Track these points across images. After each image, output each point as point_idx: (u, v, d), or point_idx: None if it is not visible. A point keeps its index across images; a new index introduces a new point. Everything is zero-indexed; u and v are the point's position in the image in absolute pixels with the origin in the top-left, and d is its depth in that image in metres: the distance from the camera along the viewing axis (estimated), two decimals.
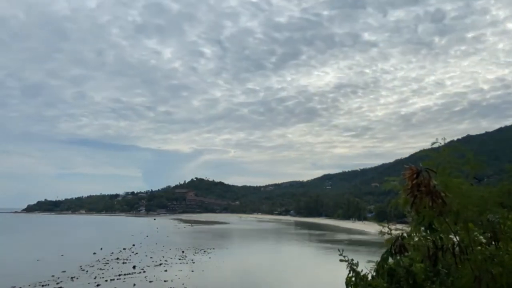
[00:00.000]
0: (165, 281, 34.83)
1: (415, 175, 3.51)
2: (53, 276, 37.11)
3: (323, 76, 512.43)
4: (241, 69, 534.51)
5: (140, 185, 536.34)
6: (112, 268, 42.16)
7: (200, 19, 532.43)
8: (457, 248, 3.66)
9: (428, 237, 3.85)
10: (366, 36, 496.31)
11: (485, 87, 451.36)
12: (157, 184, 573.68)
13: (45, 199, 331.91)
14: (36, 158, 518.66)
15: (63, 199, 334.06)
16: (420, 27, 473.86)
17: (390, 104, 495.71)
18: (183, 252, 56.67)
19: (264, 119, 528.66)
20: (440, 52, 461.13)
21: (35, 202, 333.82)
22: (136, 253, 54.93)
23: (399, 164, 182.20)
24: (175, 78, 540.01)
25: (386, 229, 4.31)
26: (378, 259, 4.14)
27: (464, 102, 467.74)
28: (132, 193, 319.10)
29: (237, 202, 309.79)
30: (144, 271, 39.59)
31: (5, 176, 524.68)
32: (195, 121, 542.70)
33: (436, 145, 3.92)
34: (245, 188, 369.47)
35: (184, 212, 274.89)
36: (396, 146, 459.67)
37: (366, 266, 4.29)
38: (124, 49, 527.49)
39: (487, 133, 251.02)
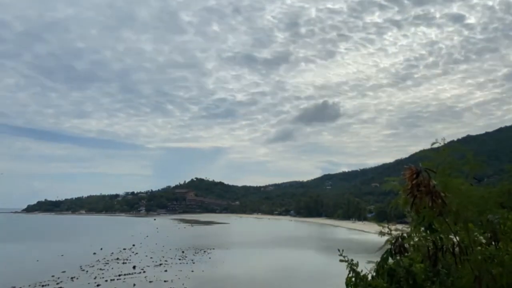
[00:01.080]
0: (165, 281, 34.84)
1: (415, 175, 3.51)
2: (53, 276, 37.13)
3: None
4: None
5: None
6: (112, 268, 42.17)
7: None
8: (457, 248, 3.66)
9: (428, 237, 3.85)
10: None
11: None
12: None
13: (45, 199, 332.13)
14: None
15: (63, 199, 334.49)
16: None
17: None
18: (183, 252, 56.69)
19: None
20: None
21: (35, 202, 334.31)
22: (136, 253, 54.94)
23: (399, 164, 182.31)
24: None
25: (386, 229, 4.31)
26: (378, 259, 4.14)
27: None
28: (132, 193, 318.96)
29: (237, 202, 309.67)
30: (144, 271, 39.60)
31: (5, 176, 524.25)
32: None
33: (436, 145, 3.92)
34: (245, 188, 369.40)
35: (184, 212, 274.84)
36: None
37: (366, 267, 4.29)
38: None
39: (487, 133, 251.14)
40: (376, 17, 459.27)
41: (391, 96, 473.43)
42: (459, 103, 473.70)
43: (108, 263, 45.53)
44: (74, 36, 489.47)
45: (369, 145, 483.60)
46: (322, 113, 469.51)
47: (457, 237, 3.76)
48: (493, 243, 3.83)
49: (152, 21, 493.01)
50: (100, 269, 41.60)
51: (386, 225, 4.31)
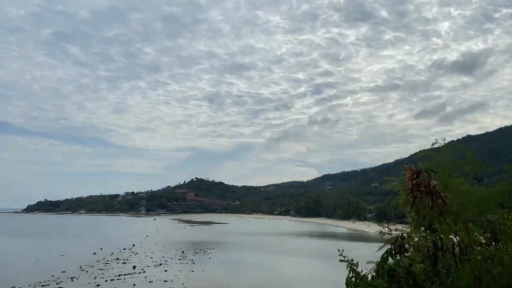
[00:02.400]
0: (165, 281, 34.84)
1: (415, 175, 3.51)
2: (53, 276, 37.13)
3: None
4: None
5: None
6: (112, 268, 42.16)
7: None
8: (457, 248, 3.66)
9: (428, 237, 3.85)
10: None
11: None
12: None
13: (45, 199, 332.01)
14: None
15: (63, 199, 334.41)
16: None
17: None
18: (183, 252, 56.69)
19: None
20: None
21: (35, 202, 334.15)
22: (136, 253, 54.93)
23: (399, 164, 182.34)
24: None
25: (386, 229, 4.31)
26: (378, 259, 4.14)
27: None
28: (132, 193, 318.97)
29: (237, 202, 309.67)
30: (144, 271, 39.59)
31: (5, 176, 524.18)
32: None
33: (436, 145, 3.92)
34: (245, 188, 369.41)
35: (184, 212, 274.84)
36: None
37: (366, 267, 4.29)
38: None
39: (487, 133, 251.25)
40: None
41: None
42: None
43: (108, 263, 45.53)
44: None
45: None
46: None
47: (457, 237, 3.76)
48: (493, 243, 3.83)
49: None
50: (100, 269, 41.59)
51: (386, 225, 4.31)
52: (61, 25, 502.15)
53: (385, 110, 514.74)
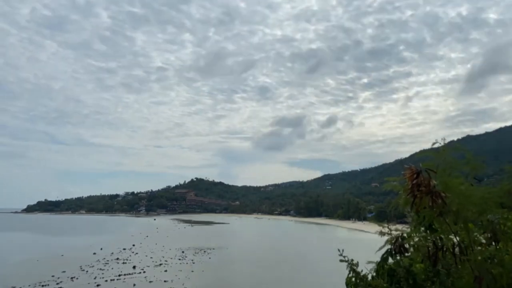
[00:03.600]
0: (165, 281, 34.84)
1: (415, 175, 3.50)
2: (53, 276, 37.14)
3: None
4: None
5: None
6: (112, 268, 42.15)
7: None
8: (457, 248, 3.66)
9: (428, 237, 3.84)
10: None
11: None
12: None
13: (45, 199, 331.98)
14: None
15: (63, 199, 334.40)
16: None
17: None
18: (183, 252, 56.68)
19: None
20: None
21: (35, 202, 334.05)
22: (136, 253, 54.92)
23: (399, 164, 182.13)
24: None
25: (386, 229, 4.30)
26: (378, 259, 4.13)
27: None
28: (132, 193, 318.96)
29: (237, 202, 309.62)
30: (144, 271, 39.59)
31: (5, 176, 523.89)
32: None
33: (436, 145, 3.91)
34: (245, 188, 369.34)
35: (184, 212, 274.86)
36: None
37: (366, 267, 4.29)
38: None
39: (487, 133, 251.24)
40: None
41: None
42: None
43: (108, 263, 45.52)
44: None
45: None
46: None
47: (457, 237, 3.75)
48: (493, 243, 3.83)
49: None
50: (100, 269, 41.58)
51: (386, 225, 4.31)
52: None
53: None
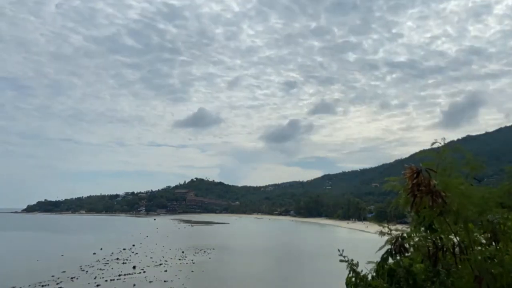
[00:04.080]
0: (165, 281, 34.85)
1: (415, 175, 3.50)
2: (53, 276, 37.14)
3: None
4: None
5: None
6: (112, 268, 42.16)
7: None
8: (457, 248, 3.65)
9: (428, 237, 3.84)
10: None
11: None
12: None
13: (45, 199, 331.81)
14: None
15: (63, 199, 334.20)
16: None
17: None
18: (183, 252, 56.67)
19: None
20: None
21: (35, 202, 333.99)
22: (136, 253, 54.93)
23: (399, 164, 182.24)
24: None
25: (386, 229, 4.30)
26: (378, 259, 4.13)
27: None
28: (132, 193, 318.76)
29: (237, 202, 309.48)
30: (144, 271, 39.60)
31: (5, 176, 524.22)
32: None
33: (436, 145, 3.91)
34: (245, 188, 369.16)
35: (184, 212, 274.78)
36: None
37: (366, 267, 4.29)
38: None
39: (487, 133, 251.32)
40: None
41: None
42: None
43: (108, 263, 45.53)
44: None
45: None
46: None
47: (457, 237, 3.75)
48: (493, 243, 3.82)
49: None
50: (100, 269, 41.59)
51: (386, 225, 4.30)
52: None
53: None
